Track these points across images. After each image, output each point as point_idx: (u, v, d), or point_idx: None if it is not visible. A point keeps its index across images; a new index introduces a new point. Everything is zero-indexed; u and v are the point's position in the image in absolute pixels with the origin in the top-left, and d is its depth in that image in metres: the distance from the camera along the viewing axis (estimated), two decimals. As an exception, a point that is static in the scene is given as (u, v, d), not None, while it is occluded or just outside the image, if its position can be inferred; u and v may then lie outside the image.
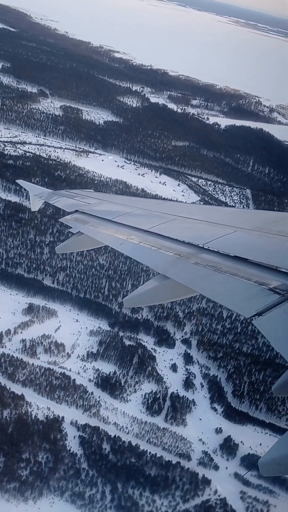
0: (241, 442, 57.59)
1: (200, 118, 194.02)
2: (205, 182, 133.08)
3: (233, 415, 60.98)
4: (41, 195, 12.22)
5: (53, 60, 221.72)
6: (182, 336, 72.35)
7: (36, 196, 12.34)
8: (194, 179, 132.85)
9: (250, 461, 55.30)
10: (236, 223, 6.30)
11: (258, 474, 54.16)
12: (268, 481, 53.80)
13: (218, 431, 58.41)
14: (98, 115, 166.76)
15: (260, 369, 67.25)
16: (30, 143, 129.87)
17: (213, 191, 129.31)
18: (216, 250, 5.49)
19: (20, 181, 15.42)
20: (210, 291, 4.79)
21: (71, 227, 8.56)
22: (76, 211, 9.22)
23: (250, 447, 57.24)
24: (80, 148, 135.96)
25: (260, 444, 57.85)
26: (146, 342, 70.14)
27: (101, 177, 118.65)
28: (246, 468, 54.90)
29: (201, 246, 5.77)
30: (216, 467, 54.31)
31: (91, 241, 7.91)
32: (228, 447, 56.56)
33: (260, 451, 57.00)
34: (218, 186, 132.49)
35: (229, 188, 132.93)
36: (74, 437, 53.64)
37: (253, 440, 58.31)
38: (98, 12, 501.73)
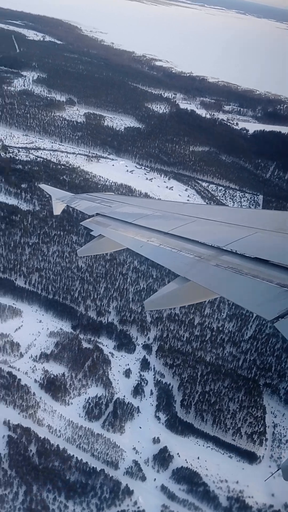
0: (177, 454, 55.04)
1: (228, 124, 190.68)
2: (215, 187, 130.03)
3: (176, 425, 58.41)
4: (63, 199, 12.40)
5: (90, 70, 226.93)
6: (145, 342, 70.63)
7: (58, 199, 12.50)
8: (204, 184, 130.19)
9: (182, 475, 52.80)
10: (257, 225, 6.31)
11: (187, 488, 51.75)
12: (196, 496, 51.08)
13: (156, 441, 56.15)
14: (121, 122, 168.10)
15: (217, 380, 64.16)
16: (44, 149, 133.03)
17: (222, 196, 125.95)
18: (236, 251, 5.45)
19: (42, 185, 15.78)
20: (231, 293, 4.80)
21: (92, 230, 8.68)
22: (97, 214, 9.37)
23: (186, 460, 54.57)
24: (93, 153, 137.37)
25: (198, 458, 55.11)
26: (106, 345, 69.12)
27: (106, 181, 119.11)
28: (177, 482, 52.38)
29: (222, 248, 5.72)
30: (143, 478, 52.19)
31: (111, 243, 8.00)
32: (162, 458, 54.21)
33: (196, 464, 54.33)
34: (228, 192, 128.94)
35: (241, 193, 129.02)
36: (3, 436, 53.52)
37: (191, 453, 55.59)
38: (152, 23, 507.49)
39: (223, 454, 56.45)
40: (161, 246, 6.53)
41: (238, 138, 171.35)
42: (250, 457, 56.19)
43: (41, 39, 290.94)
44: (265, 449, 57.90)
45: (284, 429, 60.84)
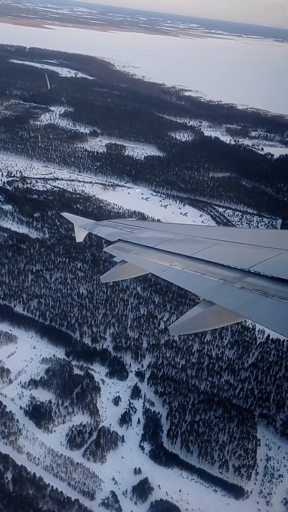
0: (158, 486, 52.71)
1: (253, 149, 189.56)
2: (232, 212, 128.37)
3: (160, 456, 56.13)
4: (85, 226, 12.76)
5: (117, 103, 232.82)
6: (138, 369, 69.13)
7: (80, 227, 12.87)
8: (221, 210, 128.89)
9: (160, 508, 50.40)
10: (281, 245, 6.29)
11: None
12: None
13: (137, 471, 54.08)
14: (142, 151, 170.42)
15: (209, 409, 61.56)
16: (61, 179, 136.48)
17: (239, 221, 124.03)
18: (262, 273, 5.39)
19: (64, 214, 16.23)
20: (257, 315, 4.71)
21: (115, 256, 8.84)
22: (119, 240, 9.55)
23: (166, 492, 52.16)
24: (110, 182, 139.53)
25: (180, 491, 52.53)
26: (98, 372, 68.11)
27: (120, 209, 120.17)
28: (154, 515, 50.00)
29: (246, 270, 5.65)
30: (119, 510, 50.19)
31: (134, 269, 8.18)
32: (141, 489, 52.03)
33: (176, 497, 51.78)
34: (246, 217, 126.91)
35: (258, 218, 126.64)
36: (-19, 463, 53.22)
37: (173, 485, 53.11)
38: (185, 55, 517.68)
39: (207, 487, 53.57)
40: (184, 270, 6.44)
41: (261, 163, 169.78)
42: (237, 492, 53.02)
43: (73, 75, 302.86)
44: (255, 483, 54.54)
45: (278, 463, 57.28)
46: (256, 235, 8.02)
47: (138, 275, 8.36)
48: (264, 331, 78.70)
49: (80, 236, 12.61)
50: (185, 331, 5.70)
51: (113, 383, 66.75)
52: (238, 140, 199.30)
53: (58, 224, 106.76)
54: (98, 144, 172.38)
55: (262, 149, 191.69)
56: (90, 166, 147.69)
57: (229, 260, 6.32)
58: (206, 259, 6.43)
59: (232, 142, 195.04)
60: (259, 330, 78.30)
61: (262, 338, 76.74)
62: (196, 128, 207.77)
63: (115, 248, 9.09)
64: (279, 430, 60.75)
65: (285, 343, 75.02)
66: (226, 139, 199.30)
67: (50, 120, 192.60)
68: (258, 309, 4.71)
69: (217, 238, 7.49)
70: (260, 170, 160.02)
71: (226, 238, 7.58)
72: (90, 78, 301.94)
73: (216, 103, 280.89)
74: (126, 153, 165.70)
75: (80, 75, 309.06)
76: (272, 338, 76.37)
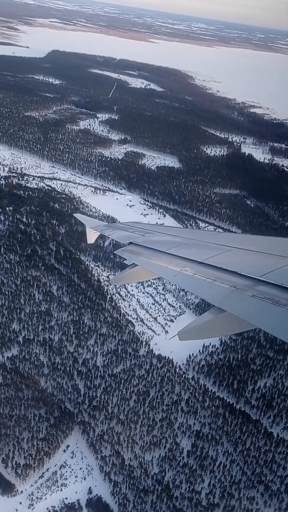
0: None
1: (286, 170, 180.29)
2: (213, 229, 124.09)
3: None
4: (96, 228, 12.96)
5: (168, 114, 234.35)
6: (-2, 359, 70.89)
7: (92, 229, 13.02)
8: (202, 225, 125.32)
9: None
10: None
11: None
12: None
13: None
14: (162, 161, 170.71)
15: (32, 406, 61.43)
16: (58, 179, 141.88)
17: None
18: (273, 282, 5.39)
19: (76, 215, 17.09)
20: (267, 324, 4.69)
21: (125, 259, 8.96)
22: (131, 243, 9.62)
23: None
24: (106, 187, 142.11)
25: None
26: None
27: (96, 212, 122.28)
28: None
29: (258, 278, 5.66)
30: None
31: (145, 272, 8.29)
32: None
33: None
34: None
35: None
36: None
37: None
38: (277, 72, 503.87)
39: (-20, 478, 54.03)
40: (195, 276, 6.50)
41: (284, 184, 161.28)
42: (6, 488, 52.72)
43: (143, 86, 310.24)
44: (31, 485, 53.82)
45: (71, 472, 55.83)
46: (269, 243, 8.08)
47: (148, 279, 8.67)
48: (149, 344, 76.47)
49: (91, 237, 12.75)
50: (194, 337, 5.65)
51: None
52: (273, 159, 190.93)
53: (23, 219, 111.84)
54: (121, 151, 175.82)
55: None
56: (94, 170, 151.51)
57: (240, 267, 6.27)
58: (218, 266, 6.42)
59: (266, 161, 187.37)
60: (146, 343, 76.24)
61: (145, 351, 74.54)
62: (234, 144, 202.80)
63: (126, 251, 9.10)
64: (91, 440, 58.99)
65: (164, 360, 72.22)
66: (263, 157, 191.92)
67: (88, 125, 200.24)
68: (268, 318, 4.69)
69: (229, 245, 7.52)
70: (277, 190, 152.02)
71: (239, 245, 7.60)
72: (159, 89, 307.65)
73: (280, 121, 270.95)
74: (141, 162, 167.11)
75: (151, 86, 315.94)
76: (155, 354, 73.94)
